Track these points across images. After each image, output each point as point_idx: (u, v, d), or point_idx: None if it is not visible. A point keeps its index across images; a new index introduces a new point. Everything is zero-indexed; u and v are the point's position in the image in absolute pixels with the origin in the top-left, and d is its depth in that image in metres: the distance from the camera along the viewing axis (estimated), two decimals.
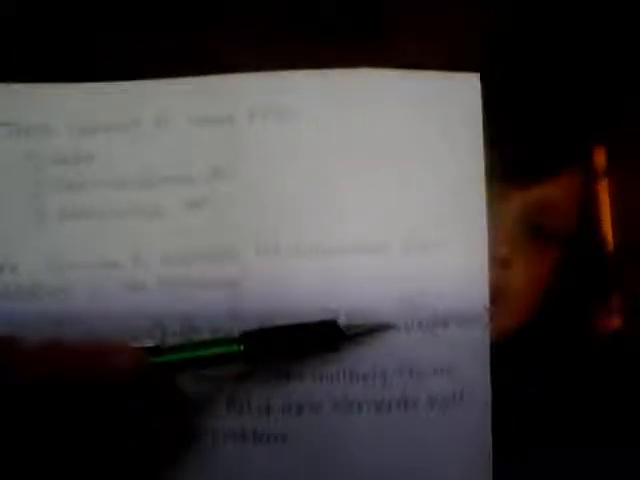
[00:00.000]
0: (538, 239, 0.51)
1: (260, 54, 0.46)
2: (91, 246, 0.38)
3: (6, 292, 0.38)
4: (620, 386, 0.51)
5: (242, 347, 0.35)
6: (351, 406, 0.37)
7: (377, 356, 0.37)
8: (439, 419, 0.37)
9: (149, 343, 0.35)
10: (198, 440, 0.37)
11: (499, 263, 0.48)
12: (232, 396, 0.37)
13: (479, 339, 0.37)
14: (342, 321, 0.36)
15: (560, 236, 0.53)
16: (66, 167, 0.38)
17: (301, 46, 0.48)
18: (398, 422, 0.37)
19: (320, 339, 0.36)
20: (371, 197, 0.38)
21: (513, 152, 0.48)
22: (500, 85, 0.40)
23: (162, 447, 0.37)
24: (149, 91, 0.39)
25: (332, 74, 0.38)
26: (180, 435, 0.37)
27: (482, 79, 0.37)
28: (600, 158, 0.58)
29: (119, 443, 0.34)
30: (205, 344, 0.36)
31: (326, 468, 0.37)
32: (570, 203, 0.53)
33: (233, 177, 0.38)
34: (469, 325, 0.37)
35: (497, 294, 0.38)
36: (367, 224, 0.37)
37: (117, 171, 0.38)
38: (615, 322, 0.57)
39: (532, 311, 0.52)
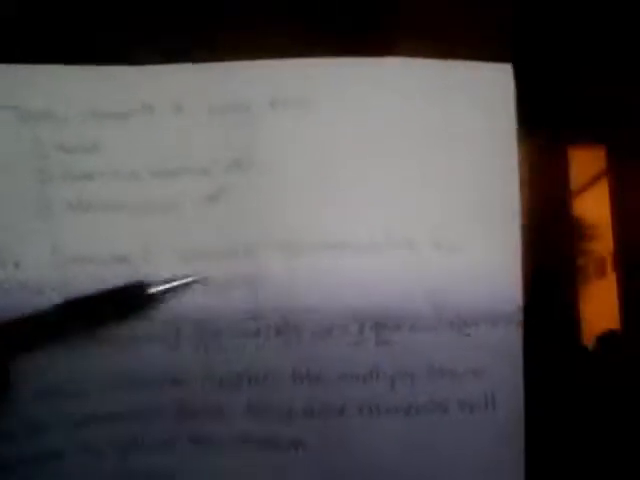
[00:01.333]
0: None
1: (260, 53, 0.45)
2: (98, 240, 0.37)
3: (9, 287, 0.36)
4: (620, 388, 0.51)
5: (56, 318, 0.34)
6: (377, 409, 0.36)
7: (405, 356, 0.36)
8: (470, 423, 0.36)
9: None
10: (217, 446, 0.36)
11: None
12: (253, 399, 0.36)
13: (512, 339, 0.36)
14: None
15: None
16: (73, 156, 0.37)
17: (301, 45, 0.47)
18: (427, 426, 0.36)
19: (126, 301, 0.36)
20: (398, 192, 0.36)
21: None
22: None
23: None
24: (164, 76, 0.37)
25: (352, 62, 0.37)
26: None
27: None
28: (599, 157, 0.58)
29: None
30: (22, 320, 0.35)
31: (350, 474, 0.36)
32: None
33: (250, 169, 0.36)
34: (501, 325, 0.36)
35: None
36: (395, 220, 0.36)
37: (127, 161, 0.37)
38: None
39: None
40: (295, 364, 0.36)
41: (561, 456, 0.44)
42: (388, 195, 0.36)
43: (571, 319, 0.55)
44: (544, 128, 0.50)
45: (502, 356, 0.36)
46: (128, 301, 0.36)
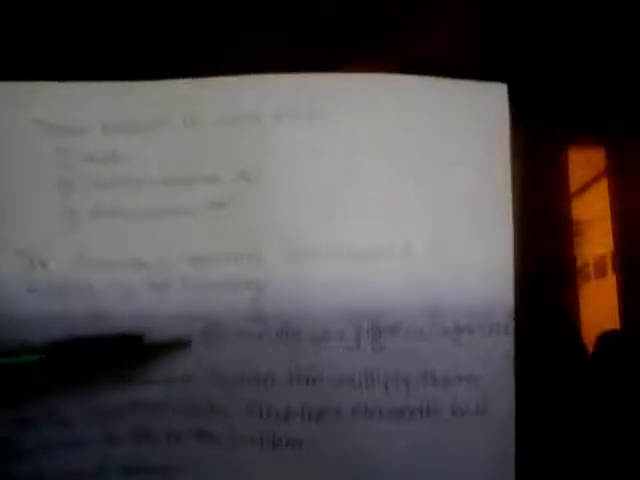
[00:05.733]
0: None
1: (261, 54, 0.45)
2: (118, 245, 0.38)
3: (37, 287, 0.38)
4: (620, 388, 0.51)
5: (43, 357, 0.34)
6: (371, 412, 0.36)
7: (399, 361, 0.36)
8: (461, 427, 0.36)
9: None
10: (218, 444, 0.37)
11: None
12: (252, 400, 0.37)
13: (504, 347, 0.36)
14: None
15: None
16: (96, 165, 0.38)
17: (301, 46, 0.47)
18: (420, 429, 0.36)
19: (119, 352, 0.36)
20: (398, 202, 0.37)
21: None
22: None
23: None
24: (178, 90, 0.38)
25: (358, 78, 0.38)
26: None
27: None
28: (599, 158, 0.58)
29: None
30: (6, 353, 0.35)
31: (344, 474, 0.36)
32: None
33: (258, 178, 0.38)
34: (494, 333, 0.36)
35: None
36: (394, 230, 0.37)
37: (144, 170, 0.38)
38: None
39: None
40: (293, 366, 0.37)
41: (556, 458, 0.45)
42: (388, 205, 0.37)
43: (571, 319, 0.55)
44: (545, 128, 0.50)
45: (494, 363, 0.36)
46: (123, 350, 0.37)
